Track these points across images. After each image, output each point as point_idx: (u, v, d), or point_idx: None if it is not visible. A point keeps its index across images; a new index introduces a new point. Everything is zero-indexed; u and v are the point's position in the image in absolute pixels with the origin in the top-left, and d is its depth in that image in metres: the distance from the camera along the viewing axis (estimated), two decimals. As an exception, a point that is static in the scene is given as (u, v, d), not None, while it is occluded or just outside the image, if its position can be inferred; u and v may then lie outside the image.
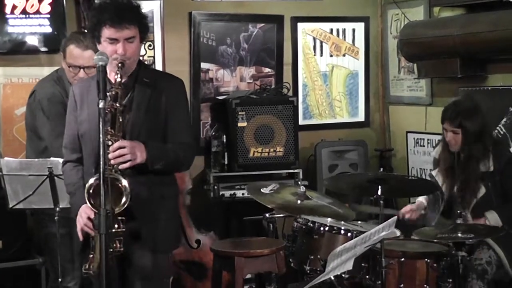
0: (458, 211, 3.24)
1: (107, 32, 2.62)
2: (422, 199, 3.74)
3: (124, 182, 2.53)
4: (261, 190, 3.45)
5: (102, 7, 2.65)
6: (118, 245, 2.57)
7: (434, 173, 3.72)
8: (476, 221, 3.44)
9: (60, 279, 3.31)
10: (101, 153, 2.39)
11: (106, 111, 2.53)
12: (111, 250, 2.54)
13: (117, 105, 2.57)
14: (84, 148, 2.73)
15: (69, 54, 3.35)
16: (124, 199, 2.53)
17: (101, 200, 2.38)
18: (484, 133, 3.55)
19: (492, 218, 3.42)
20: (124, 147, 2.58)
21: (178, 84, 2.82)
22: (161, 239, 2.73)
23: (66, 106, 3.35)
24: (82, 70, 3.33)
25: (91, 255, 2.61)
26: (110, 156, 2.55)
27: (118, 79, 2.59)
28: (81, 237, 2.65)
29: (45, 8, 4.12)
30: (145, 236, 2.69)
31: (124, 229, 2.58)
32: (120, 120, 2.59)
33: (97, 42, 2.70)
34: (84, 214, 2.62)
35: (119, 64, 2.63)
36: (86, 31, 3.49)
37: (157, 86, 2.75)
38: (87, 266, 2.59)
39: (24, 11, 4.08)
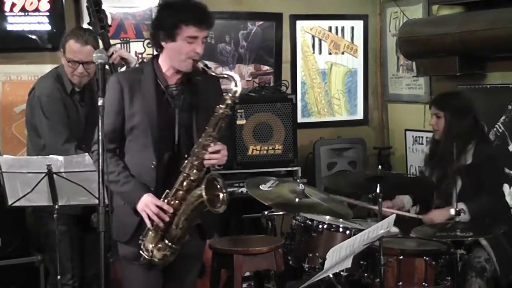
0: (457, 209, 3.25)
1: (189, 30, 2.64)
2: (402, 197, 3.75)
3: (224, 195, 2.65)
4: (260, 187, 3.45)
5: (181, 7, 2.66)
6: (188, 235, 2.74)
7: (423, 168, 3.75)
8: (440, 211, 3.43)
9: (59, 277, 3.31)
10: (100, 151, 2.38)
11: (219, 117, 2.65)
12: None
13: (229, 112, 2.68)
14: (135, 140, 2.73)
15: (68, 49, 3.35)
16: (221, 206, 2.66)
17: (100, 197, 2.38)
18: (466, 130, 3.54)
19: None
20: (223, 149, 2.69)
21: (217, 79, 2.90)
22: (206, 226, 2.86)
23: (65, 103, 3.39)
24: (81, 65, 3.34)
25: (142, 242, 2.70)
26: (207, 156, 2.66)
27: (237, 89, 2.68)
28: (149, 224, 2.70)
29: (44, 6, 4.11)
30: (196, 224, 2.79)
31: (199, 223, 2.77)
32: (223, 125, 2.68)
33: (168, 40, 2.67)
34: (152, 204, 2.66)
35: (200, 64, 2.68)
36: (88, 27, 3.49)
37: (206, 83, 2.80)
38: (150, 254, 2.69)
39: (23, 9, 4.07)
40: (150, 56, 4.44)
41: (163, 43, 2.70)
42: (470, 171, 3.49)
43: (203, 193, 2.60)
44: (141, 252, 2.71)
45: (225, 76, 2.78)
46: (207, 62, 4.59)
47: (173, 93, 2.75)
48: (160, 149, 2.72)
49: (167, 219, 2.67)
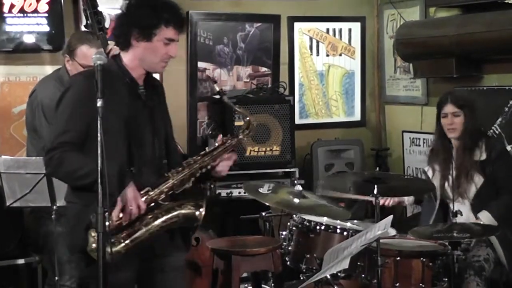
0: (454, 210, 3.26)
1: (169, 32, 2.55)
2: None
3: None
4: (259, 190, 3.46)
5: (162, 6, 2.55)
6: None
7: (426, 168, 3.76)
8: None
9: (57, 278, 3.32)
10: (99, 151, 2.26)
11: (225, 147, 2.65)
12: None
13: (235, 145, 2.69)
14: (107, 145, 2.41)
15: (81, 54, 3.37)
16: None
17: (99, 198, 2.29)
18: (478, 126, 3.64)
19: (485, 218, 3.45)
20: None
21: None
22: (190, 238, 2.76)
23: None
24: None
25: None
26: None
27: (246, 133, 2.70)
28: (116, 217, 2.46)
29: (43, 7, 4.12)
30: (179, 236, 2.68)
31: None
32: (224, 154, 2.67)
33: (142, 40, 2.54)
34: (135, 202, 2.46)
35: (215, 88, 2.73)
36: (89, 29, 3.48)
37: (161, 85, 2.78)
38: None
39: (22, 10, 4.08)
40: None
41: (133, 42, 2.55)
42: (487, 166, 3.53)
43: (201, 214, 2.52)
44: (93, 243, 2.42)
45: (239, 112, 2.79)
46: (205, 64, 4.71)
47: (144, 94, 2.62)
48: (138, 153, 2.56)
49: (134, 217, 2.47)
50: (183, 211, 2.54)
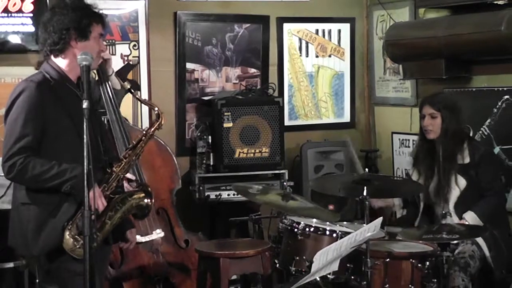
0: (443, 211, 3.26)
1: (99, 28, 2.80)
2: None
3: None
4: (249, 190, 3.44)
5: (87, 6, 2.81)
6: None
7: (410, 171, 3.77)
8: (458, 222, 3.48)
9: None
10: (84, 153, 2.36)
11: (149, 135, 2.82)
12: None
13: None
14: (64, 147, 2.68)
15: None
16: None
17: (85, 201, 2.36)
18: (460, 129, 3.64)
19: (471, 219, 3.45)
20: None
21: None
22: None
23: None
24: None
25: (69, 230, 2.66)
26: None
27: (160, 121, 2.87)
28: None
29: (28, 7, 4.07)
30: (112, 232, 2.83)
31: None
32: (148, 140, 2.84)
33: (81, 39, 2.75)
34: (100, 199, 2.66)
35: (127, 85, 2.92)
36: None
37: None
38: (79, 245, 2.63)
39: (6, 10, 4.03)
40: (136, 58, 4.51)
41: (73, 43, 2.74)
42: (470, 169, 3.53)
43: (152, 201, 2.73)
44: (74, 242, 2.64)
45: (150, 105, 3.04)
46: (194, 65, 4.69)
47: (81, 95, 2.71)
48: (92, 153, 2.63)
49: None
50: (135, 201, 2.75)
